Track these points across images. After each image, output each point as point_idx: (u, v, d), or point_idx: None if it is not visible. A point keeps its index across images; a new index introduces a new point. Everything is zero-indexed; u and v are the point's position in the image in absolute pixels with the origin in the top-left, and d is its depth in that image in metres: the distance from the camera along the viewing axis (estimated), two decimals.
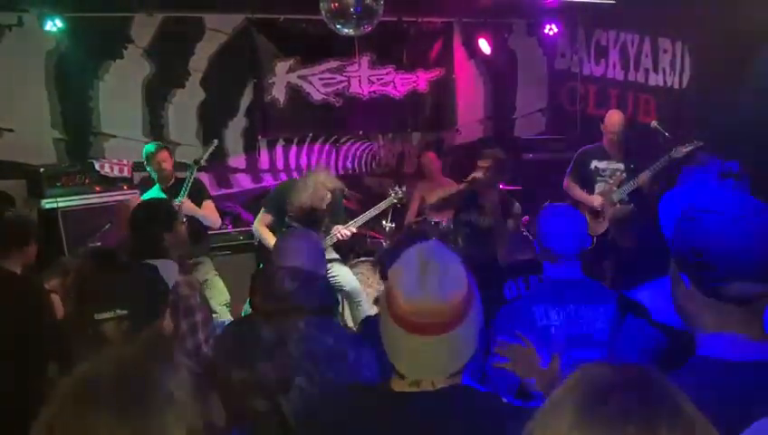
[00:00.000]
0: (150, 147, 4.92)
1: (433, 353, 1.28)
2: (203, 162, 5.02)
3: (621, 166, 5.11)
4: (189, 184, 4.74)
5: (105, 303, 1.64)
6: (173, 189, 4.77)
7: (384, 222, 5.56)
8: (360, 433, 1.32)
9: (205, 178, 5.59)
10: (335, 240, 4.74)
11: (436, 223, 5.58)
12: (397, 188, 5.12)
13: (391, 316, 1.29)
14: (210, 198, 5.09)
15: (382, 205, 5.04)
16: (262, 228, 4.74)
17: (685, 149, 4.67)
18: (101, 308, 1.63)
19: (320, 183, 4.48)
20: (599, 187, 5.19)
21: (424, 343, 1.27)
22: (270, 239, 4.58)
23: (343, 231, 4.72)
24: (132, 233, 2.92)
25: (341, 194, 4.80)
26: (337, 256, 4.98)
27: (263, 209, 4.82)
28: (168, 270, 1.95)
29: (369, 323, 2.29)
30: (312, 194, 4.43)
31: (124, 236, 5.14)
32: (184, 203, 4.60)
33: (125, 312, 1.62)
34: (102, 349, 1.59)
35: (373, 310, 4.62)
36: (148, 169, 4.94)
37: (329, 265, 4.55)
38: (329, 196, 4.52)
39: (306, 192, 4.43)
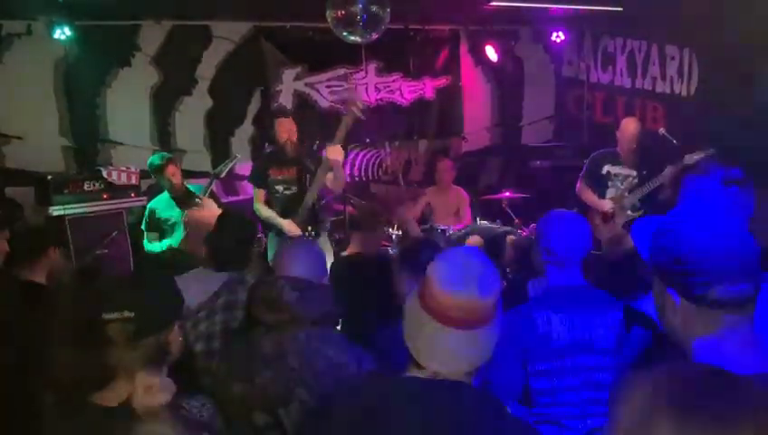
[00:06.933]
0: (156, 160, 4.85)
1: (459, 347, 1.34)
2: (222, 175, 5.04)
3: (634, 172, 5.06)
4: (208, 194, 4.75)
5: (114, 303, 1.61)
6: (184, 198, 4.78)
7: (391, 230, 5.54)
8: (379, 417, 1.35)
9: None
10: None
11: (442, 230, 5.58)
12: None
13: (425, 308, 1.36)
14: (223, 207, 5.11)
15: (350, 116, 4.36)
16: (262, 207, 4.79)
17: (696, 157, 4.63)
18: (109, 308, 1.60)
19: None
20: (610, 192, 5.16)
21: (453, 336, 1.33)
22: (274, 216, 4.68)
23: (335, 154, 4.36)
24: (225, 239, 2.92)
25: None
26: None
27: (254, 187, 4.87)
28: (188, 287, 1.92)
29: (383, 335, 2.26)
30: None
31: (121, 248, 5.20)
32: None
33: (132, 314, 1.59)
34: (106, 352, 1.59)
35: None
36: (156, 178, 4.94)
37: None
38: None
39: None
